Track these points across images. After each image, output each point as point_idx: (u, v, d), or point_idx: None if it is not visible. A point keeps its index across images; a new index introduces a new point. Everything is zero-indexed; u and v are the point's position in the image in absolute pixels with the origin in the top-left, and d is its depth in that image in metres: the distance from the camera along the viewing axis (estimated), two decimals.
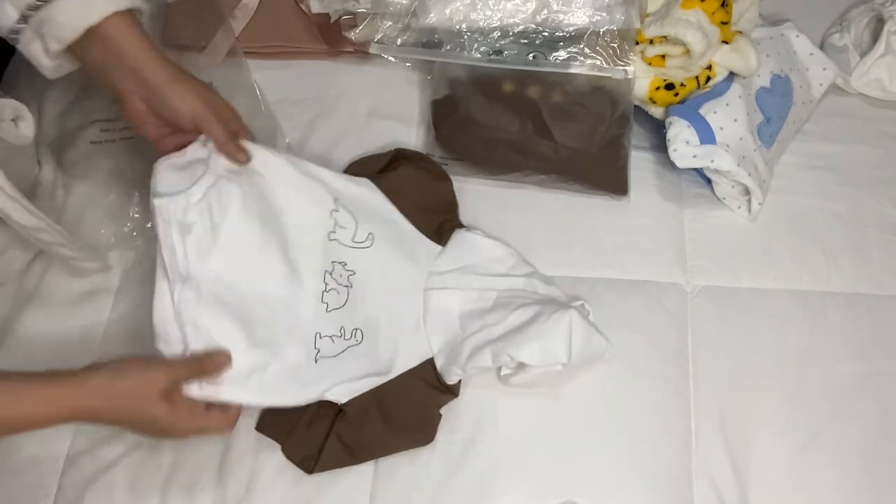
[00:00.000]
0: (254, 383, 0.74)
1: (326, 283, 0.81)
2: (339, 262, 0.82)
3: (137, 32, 0.71)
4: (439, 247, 0.86)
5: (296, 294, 0.79)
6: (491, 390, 0.81)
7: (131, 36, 0.71)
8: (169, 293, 0.73)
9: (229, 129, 0.75)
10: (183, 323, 0.72)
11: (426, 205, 0.88)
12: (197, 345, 0.72)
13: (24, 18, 0.69)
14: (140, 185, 0.92)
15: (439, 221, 0.88)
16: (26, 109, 0.75)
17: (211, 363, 0.72)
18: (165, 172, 0.74)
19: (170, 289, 0.73)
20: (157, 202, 0.73)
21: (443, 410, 0.80)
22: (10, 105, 0.76)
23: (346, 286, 0.82)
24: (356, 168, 0.91)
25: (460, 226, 0.89)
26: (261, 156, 0.78)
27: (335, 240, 0.83)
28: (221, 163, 0.75)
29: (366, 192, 0.85)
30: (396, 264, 0.84)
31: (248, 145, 0.77)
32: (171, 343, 0.72)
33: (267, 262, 0.78)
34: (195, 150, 0.75)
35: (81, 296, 0.87)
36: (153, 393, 0.67)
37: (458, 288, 0.84)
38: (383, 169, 0.90)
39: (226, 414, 0.73)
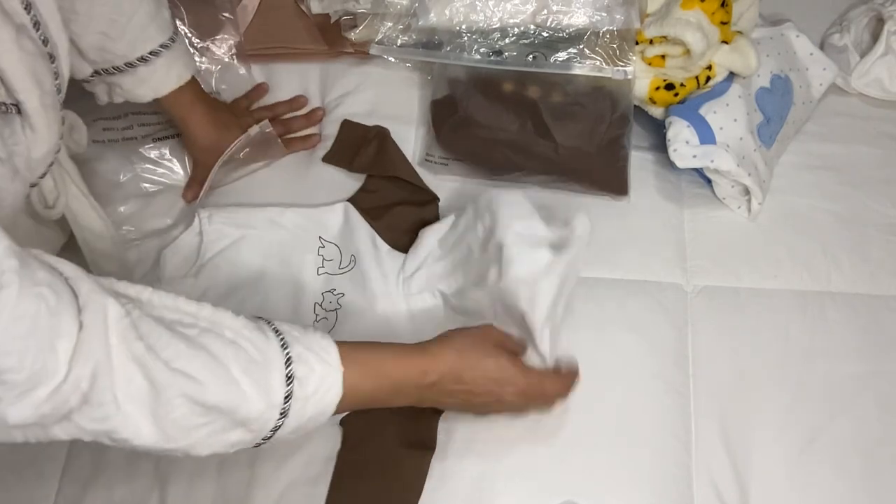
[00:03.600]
0: None
1: (317, 314, 0.85)
2: (329, 291, 0.86)
3: (189, 106, 0.87)
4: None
5: None
6: None
7: (187, 111, 0.88)
8: None
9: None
10: None
11: (405, 229, 0.89)
12: None
13: (95, 73, 0.80)
14: (142, 184, 0.93)
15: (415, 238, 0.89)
16: (79, 120, 0.80)
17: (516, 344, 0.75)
18: (171, 259, 0.87)
19: None
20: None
21: (443, 413, 0.80)
22: (68, 116, 0.79)
23: (335, 309, 0.85)
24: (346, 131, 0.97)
25: None
26: (247, 218, 0.89)
27: (324, 273, 0.88)
28: (214, 246, 0.87)
29: (345, 217, 0.90)
30: (377, 282, 0.86)
31: (234, 212, 0.90)
32: None
33: (257, 311, 0.84)
34: (190, 236, 0.88)
35: None
36: (489, 342, 0.71)
37: (435, 290, 0.85)
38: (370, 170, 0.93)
39: (562, 378, 0.74)
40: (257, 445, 0.60)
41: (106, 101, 0.85)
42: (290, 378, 0.58)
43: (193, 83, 0.87)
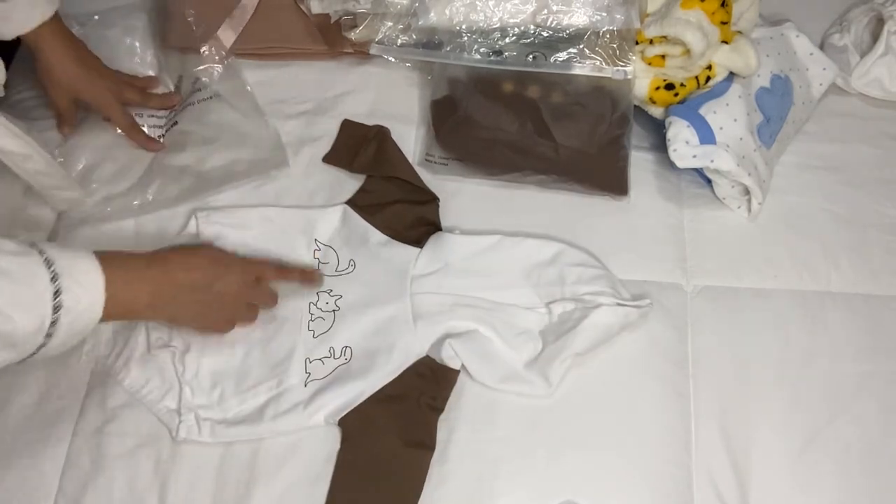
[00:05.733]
0: (266, 417, 0.80)
1: (312, 314, 0.85)
2: (325, 292, 0.86)
3: (50, 37, 0.86)
4: (417, 249, 0.87)
5: (282, 332, 0.84)
6: (491, 390, 0.81)
7: (45, 41, 0.86)
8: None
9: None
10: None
11: (406, 224, 0.90)
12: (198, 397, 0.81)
13: None
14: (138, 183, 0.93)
15: (419, 233, 0.89)
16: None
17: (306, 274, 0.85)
18: None
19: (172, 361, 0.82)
20: None
21: (443, 413, 0.80)
22: None
23: (333, 310, 0.85)
24: (346, 132, 0.98)
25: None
26: (243, 217, 0.89)
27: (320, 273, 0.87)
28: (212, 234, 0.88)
29: (343, 220, 0.90)
30: (378, 278, 0.86)
31: (231, 213, 0.90)
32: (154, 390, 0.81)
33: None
34: (184, 240, 0.88)
35: None
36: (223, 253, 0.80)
37: (444, 293, 0.85)
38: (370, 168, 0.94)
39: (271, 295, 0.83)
40: (23, 361, 0.63)
41: None
42: (57, 308, 0.61)
43: (57, 20, 0.86)
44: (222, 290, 0.76)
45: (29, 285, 0.61)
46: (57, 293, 0.61)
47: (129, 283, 0.68)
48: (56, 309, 0.61)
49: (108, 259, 0.67)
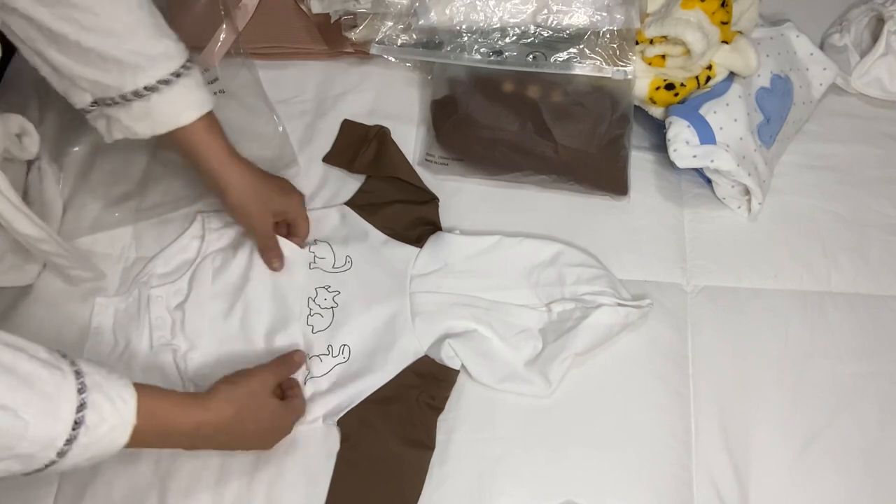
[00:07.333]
0: None
1: (311, 309, 0.85)
2: (323, 287, 0.86)
3: (211, 139, 0.78)
4: (417, 249, 0.87)
5: (282, 328, 0.84)
6: (490, 390, 0.81)
7: (206, 145, 0.77)
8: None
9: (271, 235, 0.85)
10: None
11: (406, 223, 0.90)
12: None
13: (95, 103, 0.74)
14: (140, 184, 0.93)
15: (419, 233, 0.89)
16: (31, 126, 0.79)
17: (294, 361, 0.80)
18: (157, 267, 0.88)
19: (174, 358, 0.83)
20: (152, 292, 0.85)
21: (443, 412, 0.80)
22: (15, 121, 0.78)
23: (332, 307, 0.85)
24: (345, 134, 0.98)
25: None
26: None
27: (317, 268, 0.87)
28: (212, 245, 0.88)
29: (341, 219, 0.91)
30: (377, 276, 0.86)
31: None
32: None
33: (251, 305, 0.85)
34: (187, 239, 0.89)
35: (81, 294, 0.87)
36: (267, 391, 0.74)
37: (443, 292, 0.85)
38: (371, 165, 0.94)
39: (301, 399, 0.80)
40: (27, 475, 0.60)
41: (105, 135, 0.78)
42: (77, 423, 0.58)
43: (210, 121, 0.77)
44: (254, 428, 0.73)
45: (50, 396, 0.57)
46: (81, 406, 0.58)
47: (161, 434, 0.66)
48: (76, 427, 0.58)
49: (148, 405, 0.63)
